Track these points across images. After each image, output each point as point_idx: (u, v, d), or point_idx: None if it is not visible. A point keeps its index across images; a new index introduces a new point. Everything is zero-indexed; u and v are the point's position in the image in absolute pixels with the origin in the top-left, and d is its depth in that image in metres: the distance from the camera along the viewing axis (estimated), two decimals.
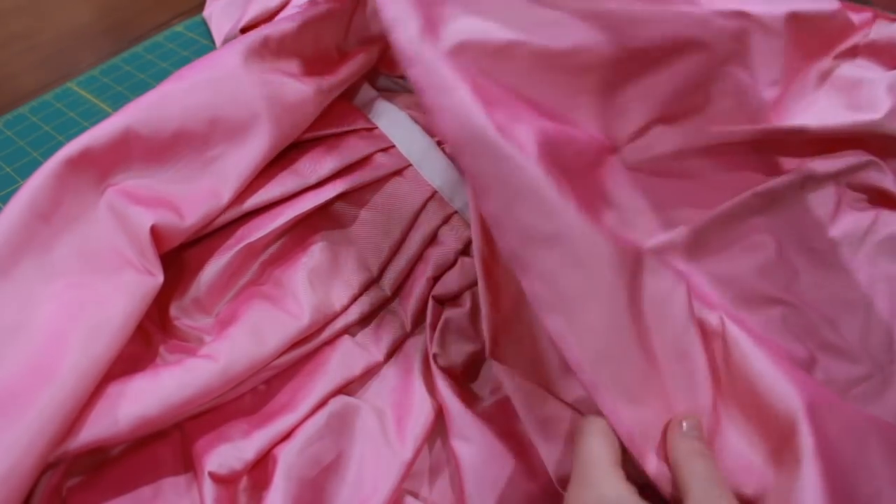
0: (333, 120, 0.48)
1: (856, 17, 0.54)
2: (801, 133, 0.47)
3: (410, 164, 0.45)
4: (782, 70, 0.51)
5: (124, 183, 0.40)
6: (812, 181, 0.47)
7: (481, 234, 0.41)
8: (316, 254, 0.44)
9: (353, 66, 0.48)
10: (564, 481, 0.35)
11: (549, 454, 0.35)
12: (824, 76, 0.53)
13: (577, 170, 0.36)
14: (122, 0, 0.72)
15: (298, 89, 0.44)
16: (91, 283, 0.37)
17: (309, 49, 0.48)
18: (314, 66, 0.48)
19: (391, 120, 0.47)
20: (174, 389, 0.35)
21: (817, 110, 0.50)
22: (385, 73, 0.51)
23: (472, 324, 0.42)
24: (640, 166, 0.44)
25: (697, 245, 0.44)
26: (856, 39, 0.54)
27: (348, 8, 0.48)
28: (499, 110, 0.30)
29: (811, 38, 0.52)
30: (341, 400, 0.39)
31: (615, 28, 0.40)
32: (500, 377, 0.39)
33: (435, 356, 0.40)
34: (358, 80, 0.51)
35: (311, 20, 0.48)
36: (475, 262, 0.41)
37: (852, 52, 0.54)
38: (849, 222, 0.46)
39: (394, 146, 0.46)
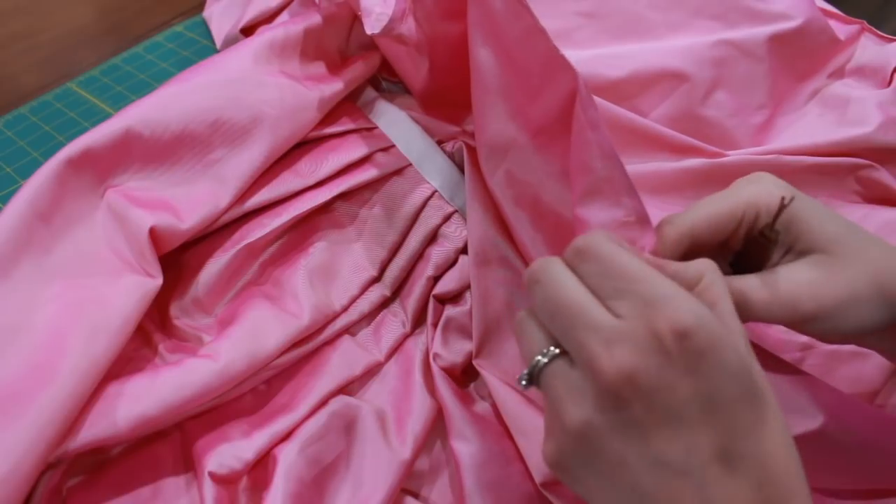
0: (334, 119, 0.48)
1: (842, 32, 0.54)
2: (791, 153, 0.48)
3: (410, 164, 0.45)
4: (769, 93, 0.51)
5: (124, 185, 0.40)
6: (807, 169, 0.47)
7: (475, 235, 0.41)
8: (316, 254, 0.44)
9: (355, 71, 0.48)
10: (549, 486, 0.35)
11: (534, 461, 0.36)
12: (813, 95, 0.53)
13: None
14: (122, 0, 0.72)
15: (301, 94, 0.44)
16: (90, 285, 0.37)
17: (311, 53, 0.48)
18: (317, 70, 0.48)
19: (391, 120, 0.47)
20: (174, 389, 0.35)
21: (808, 129, 0.51)
22: (386, 77, 0.52)
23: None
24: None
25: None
26: (844, 57, 0.54)
27: (349, 13, 0.48)
28: None
29: (797, 59, 0.52)
30: (341, 400, 0.39)
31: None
32: (487, 382, 0.39)
33: (435, 356, 0.40)
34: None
35: (314, 25, 0.48)
36: (468, 263, 0.41)
37: (840, 73, 0.54)
38: (843, 207, 0.46)
39: (394, 146, 0.46)
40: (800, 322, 0.28)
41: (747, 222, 0.29)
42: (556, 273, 0.25)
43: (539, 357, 0.25)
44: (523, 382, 0.25)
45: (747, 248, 0.30)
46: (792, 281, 0.28)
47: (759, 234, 0.29)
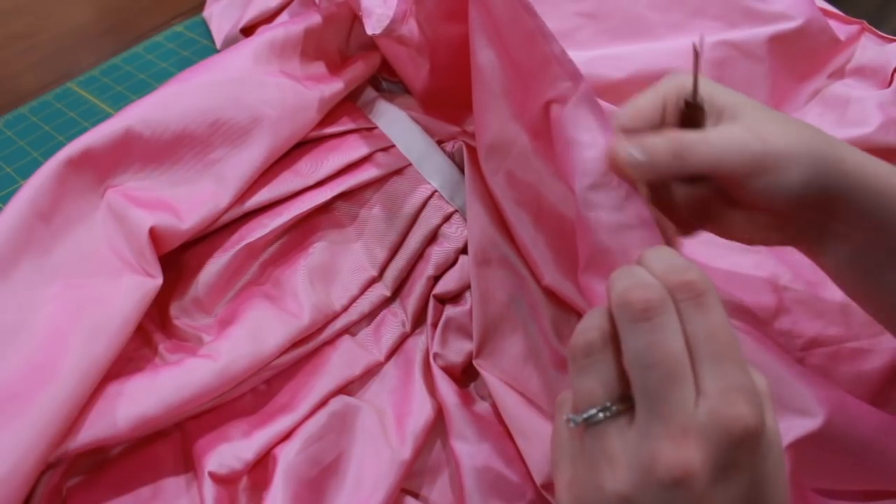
0: (334, 119, 0.48)
1: (842, 32, 0.54)
2: None
3: (410, 164, 0.45)
4: (770, 93, 0.51)
5: (124, 185, 0.40)
6: None
7: (475, 235, 0.41)
8: (316, 253, 0.44)
9: (355, 71, 0.48)
10: (549, 488, 0.35)
11: (534, 463, 0.36)
12: (814, 95, 0.53)
13: None
14: (122, 0, 0.72)
15: (301, 94, 0.44)
16: (91, 284, 0.37)
17: (311, 53, 0.48)
18: (317, 70, 0.48)
19: (391, 119, 0.47)
20: (174, 389, 0.35)
21: None
22: (386, 77, 0.52)
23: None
24: None
25: None
26: (844, 57, 0.54)
27: (349, 13, 0.48)
28: None
29: (797, 59, 0.52)
30: (341, 400, 0.39)
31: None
32: (487, 382, 0.39)
33: (435, 356, 0.40)
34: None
35: (314, 25, 0.48)
36: (468, 263, 0.41)
37: (840, 74, 0.54)
38: None
39: (394, 146, 0.46)
40: (755, 169, 0.28)
41: (671, 107, 0.30)
42: (671, 323, 0.23)
43: (598, 410, 0.23)
44: (572, 424, 0.23)
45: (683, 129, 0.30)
46: (739, 126, 0.29)
47: (685, 107, 0.29)
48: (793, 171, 0.28)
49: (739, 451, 0.22)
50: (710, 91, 0.30)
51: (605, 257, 0.28)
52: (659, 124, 0.30)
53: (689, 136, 0.28)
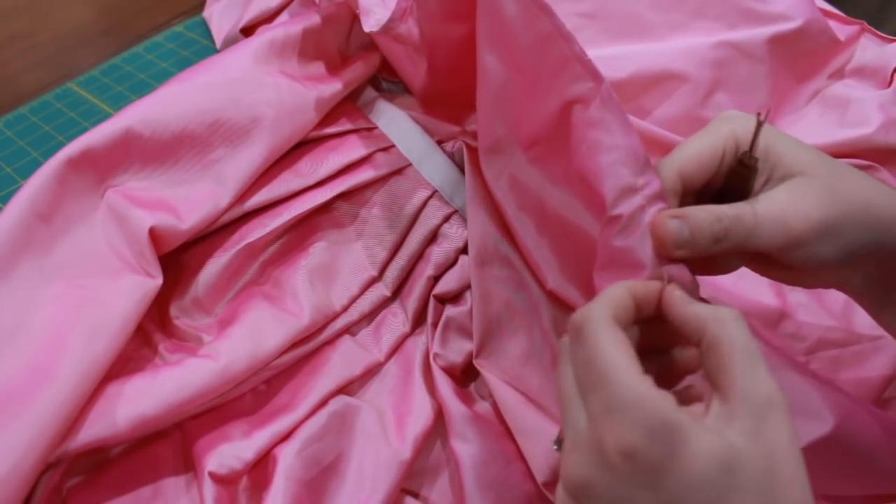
0: (334, 119, 0.48)
1: (842, 33, 0.54)
2: None
3: (410, 164, 0.45)
4: (770, 94, 0.51)
5: (124, 185, 0.40)
6: None
7: (475, 235, 0.41)
8: (316, 253, 0.44)
9: (355, 71, 0.48)
10: (550, 486, 0.35)
11: (535, 461, 0.36)
12: (814, 95, 0.53)
13: None
14: (122, 0, 0.72)
15: (300, 94, 0.44)
16: (91, 285, 0.37)
17: (311, 53, 0.48)
18: (316, 70, 0.48)
19: (391, 119, 0.47)
20: (174, 389, 0.35)
21: (809, 129, 0.51)
22: (386, 77, 0.52)
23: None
24: None
25: None
26: (844, 57, 0.54)
27: (349, 13, 0.48)
28: None
29: (798, 60, 0.52)
30: (341, 400, 0.39)
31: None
32: (487, 381, 0.39)
33: (435, 356, 0.40)
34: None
35: (314, 25, 0.48)
36: (469, 263, 0.41)
37: (840, 74, 0.54)
38: None
39: (394, 146, 0.46)
40: (791, 245, 0.27)
41: (728, 156, 0.29)
42: (563, 361, 0.26)
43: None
44: (555, 447, 0.27)
45: (729, 182, 0.29)
46: (779, 201, 0.28)
47: (738, 164, 0.29)
48: (837, 241, 0.27)
49: (636, 470, 0.22)
50: (769, 141, 0.29)
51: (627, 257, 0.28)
52: (715, 172, 0.29)
53: (732, 215, 0.27)
